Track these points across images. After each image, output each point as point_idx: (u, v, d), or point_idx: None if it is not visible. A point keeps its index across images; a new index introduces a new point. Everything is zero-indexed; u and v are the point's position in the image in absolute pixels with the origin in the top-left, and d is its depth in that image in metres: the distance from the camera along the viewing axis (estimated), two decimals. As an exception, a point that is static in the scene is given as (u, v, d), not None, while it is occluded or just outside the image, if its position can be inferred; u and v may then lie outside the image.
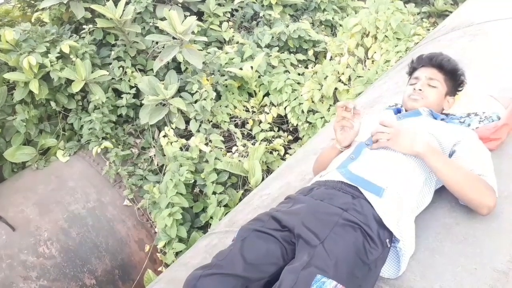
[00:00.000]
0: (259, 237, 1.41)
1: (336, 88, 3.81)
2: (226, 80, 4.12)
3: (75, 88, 3.64)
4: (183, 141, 3.72)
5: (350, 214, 1.35)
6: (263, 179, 3.33)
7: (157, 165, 3.84)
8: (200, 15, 4.62)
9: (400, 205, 1.41)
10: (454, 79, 1.81)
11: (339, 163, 1.59)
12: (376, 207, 1.37)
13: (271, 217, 1.45)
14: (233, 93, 4.18)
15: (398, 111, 1.86)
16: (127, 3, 3.99)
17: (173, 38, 3.83)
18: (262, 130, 4.00)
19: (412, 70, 1.89)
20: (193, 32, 3.94)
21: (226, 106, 4.08)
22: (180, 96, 3.86)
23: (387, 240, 1.36)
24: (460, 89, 1.85)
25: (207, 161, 3.54)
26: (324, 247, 1.26)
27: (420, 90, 1.76)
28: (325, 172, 1.63)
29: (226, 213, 2.97)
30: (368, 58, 3.86)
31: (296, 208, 1.45)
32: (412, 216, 1.46)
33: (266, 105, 4.16)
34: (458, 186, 1.45)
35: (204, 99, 3.81)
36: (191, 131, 3.86)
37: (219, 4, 4.75)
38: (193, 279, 1.30)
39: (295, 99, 4.00)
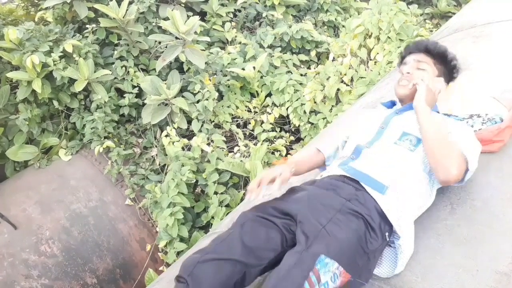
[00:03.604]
0: (259, 222, 1.41)
1: (338, 89, 3.81)
2: (228, 80, 4.12)
3: (78, 87, 3.65)
4: (185, 141, 3.72)
5: (353, 204, 1.37)
6: (264, 179, 3.32)
7: (159, 164, 3.85)
8: (203, 15, 4.63)
9: (402, 204, 1.42)
10: (444, 63, 1.73)
11: (340, 162, 1.59)
12: (380, 202, 1.38)
13: (272, 206, 1.46)
14: (235, 93, 4.18)
15: (392, 104, 1.84)
16: (130, 3, 3.99)
17: (176, 38, 3.83)
18: (264, 131, 4.00)
19: (401, 60, 1.83)
20: (195, 32, 3.95)
21: (228, 106, 4.08)
22: (183, 96, 3.86)
23: (387, 234, 1.37)
24: (454, 75, 1.77)
25: (208, 161, 3.54)
26: (327, 231, 1.27)
27: (408, 73, 1.70)
28: (326, 171, 1.63)
29: (228, 213, 2.97)
30: (370, 59, 3.86)
31: (299, 195, 1.47)
32: (412, 217, 1.46)
33: (268, 105, 4.16)
34: (432, 142, 1.47)
35: (206, 99, 3.81)
36: (193, 131, 3.86)
37: (222, 5, 4.75)
38: (191, 265, 1.28)
39: (297, 99, 4.00)
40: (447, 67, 1.75)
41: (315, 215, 1.33)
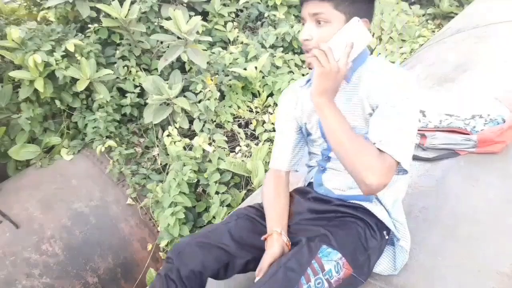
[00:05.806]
0: (251, 221, 1.47)
1: (340, 89, 3.80)
2: (230, 80, 4.12)
3: (80, 87, 3.65)
4: (187, 140, 3.72)
5: (347, 208, 1.39)
6: (266, 179, 3.32)
7: (161, 164, 3.85)
8: (205, 15, 4.63)
9: (391, 203, 1.42)
10: None
11: (312, 176, 1.56)
12: (369, 208, 1.39)
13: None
14: (237, 93, 4.18)
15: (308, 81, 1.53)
16: (132, 3, 4.00)
17: (178, 38, 3.84)
18: (265, 131, 4.00)
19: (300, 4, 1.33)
20: (197, 32, 3.95)
21: (229, 106, 4.08)
22: (184, 96, 3.87)
23: (385, 232, 1.39)
24: None
25: (210, 161, 3.54)
26: (328, 229, 1.30)
27: (306, 40, 1.25)
28: (308, 173, 1.65)
29: (229, 213, 2.98)
30: (372, 60, 3.85)
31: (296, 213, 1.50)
32: (401, 207, 1.47)
33: (270, 105, 4.16)
34: (336, 148, 1.18)
35: (208, 99, 3.81)
36: (194, 131, 3.87)
37: (224, 4, 4.75)
38: (180, 247, 1.34)
39: (299, 99, 3.99)
40: None
41: (312, 224, 1.39)
